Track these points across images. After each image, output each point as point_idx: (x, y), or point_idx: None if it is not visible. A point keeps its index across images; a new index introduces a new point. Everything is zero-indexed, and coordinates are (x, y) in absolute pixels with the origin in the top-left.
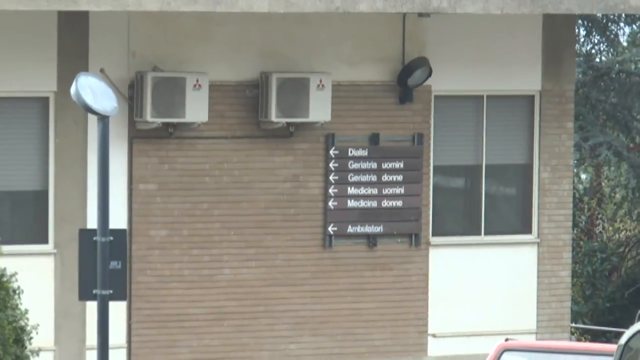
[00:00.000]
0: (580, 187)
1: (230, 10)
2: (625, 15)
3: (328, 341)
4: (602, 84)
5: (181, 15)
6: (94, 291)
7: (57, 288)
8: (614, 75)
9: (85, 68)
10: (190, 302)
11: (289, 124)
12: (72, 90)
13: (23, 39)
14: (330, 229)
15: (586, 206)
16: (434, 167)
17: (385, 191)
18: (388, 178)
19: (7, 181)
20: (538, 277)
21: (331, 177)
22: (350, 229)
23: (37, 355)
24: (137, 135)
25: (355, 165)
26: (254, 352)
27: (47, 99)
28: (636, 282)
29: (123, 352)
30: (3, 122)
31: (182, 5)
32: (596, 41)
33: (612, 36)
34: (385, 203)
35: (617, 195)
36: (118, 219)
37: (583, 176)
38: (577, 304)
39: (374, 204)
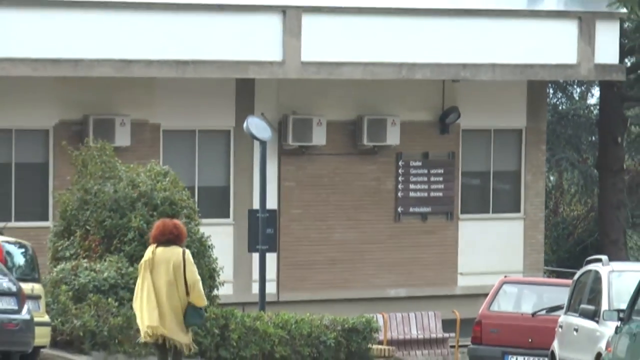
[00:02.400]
0: (550, 184)
1: (339, 77)
2: (577, 80)
3: (397, 276)
4: (563, 122)
5: (310, 80)
6: (257, 246)
7: (234, 244)
8: (570, 117)
9: (252, 112)
10: (315, 253)
11: (374, 146)
12: (244, 125)
13: (216, 94)
14: (399, 209)
15: (553, 196)
16: (462, 172)
17: (432, 187)
18: (434, 179)
19: (206, 180)
20: (524, 238)
21: (399, 178)
22: (411, 210)
23: (223, 285)
24: (283, 153)
25: (414, 172)
26: (352, 283)
27: (229, 131)
28: (584, 242)
29: (274, 284)
30: (204, 146)
31: (311, 75)
32: (559, 96)
33: (569, 93)
34: (432, 194)
35: (572, 190)
36: (271, 203)
37: (551, 178)
38: (547, 255)
39: (425, 194)
